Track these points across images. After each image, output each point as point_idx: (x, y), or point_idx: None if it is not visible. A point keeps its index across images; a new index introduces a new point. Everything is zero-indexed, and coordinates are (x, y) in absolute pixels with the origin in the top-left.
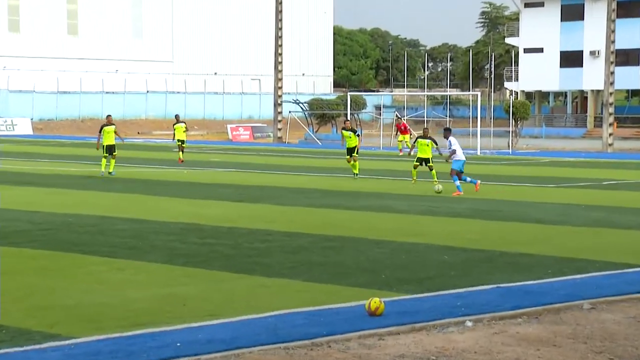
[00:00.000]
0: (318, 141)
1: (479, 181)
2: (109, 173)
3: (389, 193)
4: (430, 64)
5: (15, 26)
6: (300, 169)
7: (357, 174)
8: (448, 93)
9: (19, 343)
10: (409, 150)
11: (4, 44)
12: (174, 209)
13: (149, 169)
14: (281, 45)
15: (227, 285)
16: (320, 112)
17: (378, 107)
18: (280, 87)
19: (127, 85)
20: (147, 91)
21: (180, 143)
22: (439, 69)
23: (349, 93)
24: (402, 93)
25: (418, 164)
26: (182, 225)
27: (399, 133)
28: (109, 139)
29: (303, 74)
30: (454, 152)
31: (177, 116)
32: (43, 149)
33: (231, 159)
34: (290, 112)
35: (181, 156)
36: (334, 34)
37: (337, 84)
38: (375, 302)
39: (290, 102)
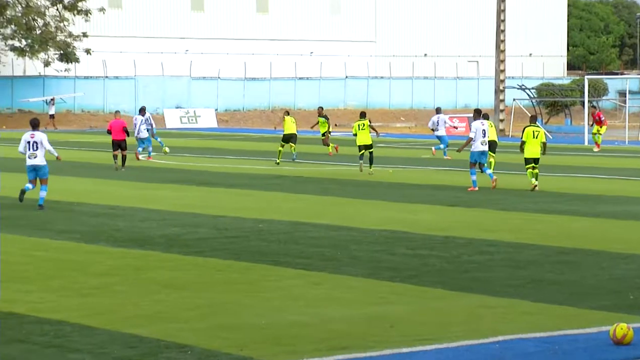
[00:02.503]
0: (549, 135)
1: (495, 177)
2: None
3: (637, 197)
4: None
5: (199, 4)
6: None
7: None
8: None
9: None
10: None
11: (187, 24)
12: (377, 215)
13: (346, 167)
14: (504, 21)
15: (442, 304)
16: (551, 100)
17: (622, 94)
18: (503, 70)
19: (323, 69)
20: (346, 76)
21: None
22: None
23: (586, 77)
24: None
25: None
26: (388, 234)
27: (594, 125)
28: (289, 127)
29: (530, 54)
30: (470, 140)
31: (320, 109)
32: (227, 144)
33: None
34: (514, 100)
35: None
36: (568, 5)
37: (571, 66)
38: (622, 328)
39: (514, 87)
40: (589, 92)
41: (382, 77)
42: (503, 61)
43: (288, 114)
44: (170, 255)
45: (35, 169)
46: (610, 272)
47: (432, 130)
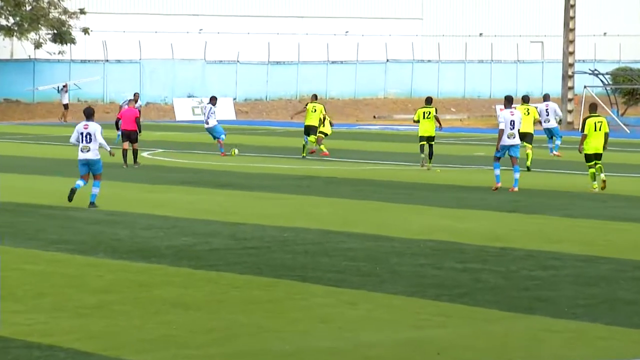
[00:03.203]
0: (625, 128)
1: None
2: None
3: None
4: None
5: None
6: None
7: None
8: None
9: None
10: None
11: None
12: (422, 222)
13: (385, 166)
14: None
15: (498, 327)
16: (629, 87)
17: None
18: (572, 53)
19: (360, 52)
20: (387, 60)
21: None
22: None
23: None
24: None
25: None
26: (435, 244)
27: None
28: (311, 118)
29: (604, 34)
30: (502, 132)
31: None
32: (247, 139)
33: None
34: (585, 87)
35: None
36: None
37: None
38: None
39: (585, 73)
40: None
41: (429, 61)
42: (572, 42)
43: (315, 99)
44: (179, 269)
45: (88, 164)
46: None
47: (540, 122)
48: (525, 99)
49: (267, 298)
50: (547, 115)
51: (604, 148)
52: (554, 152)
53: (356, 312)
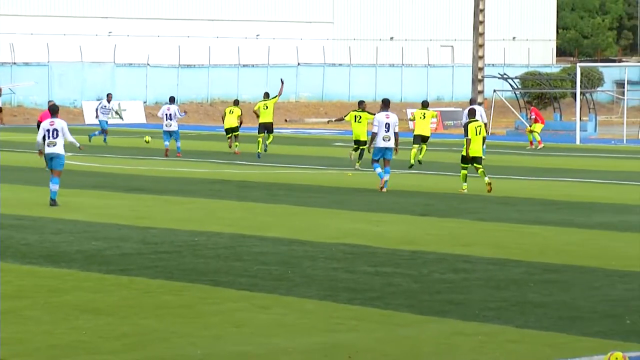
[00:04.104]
0: (537, 137)
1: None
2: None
3: (636, 205)
4: None
5: None
6: (510, 171)
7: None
8: None
9: None
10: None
11: (110, 1)
12: (335, 226)
13: (299, 170)
14: None
15: (410, 331)
16: (538, 91)
17: (621, 84)
18: (482, 57)
19: (272, 55)
20: (298, 63)
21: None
22: None
23: (578, 64)
24: None
25: None
26: (347, 248)
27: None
28: (265, 116)
29: (514, 38)
30: (374, 135)
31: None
32: (158, 143)
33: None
34: (495, 91)
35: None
36: None
37: (561, 52)
38: (618, 357)
39: (495, 77)
40: (581, 82)
41: (340, 65)
42: (482, 46)
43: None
44: (89, 274)
45: (51, 158)
46: (605, 293)
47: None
48: (425, 104)
49: (179, 303)
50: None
51: (483, 151)
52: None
53: (269, 316)
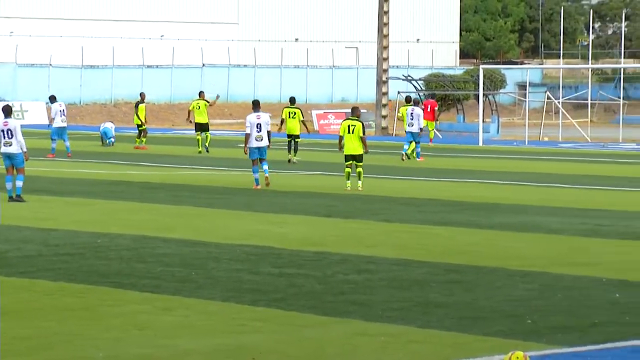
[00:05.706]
0: (438, 133)
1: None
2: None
3: (536, 206)
4: (596, 25)
5: None
6: (412, 172)
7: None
8: (622, 66)
9: None
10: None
11: (12, 1)
12: (239, 227)
13: (203, 171)
14: (387, 1)
15: (313, 332)
16: (442, 93)
17: (522, 86)
18: (386, 59)
19: (176, 56)
20: (203, 64)
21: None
22: (609, 32)
23: (481, 66)
24: (556, 66)
25: None
26: (251, 249)
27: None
28: (200, 115)
29: (417, 40)
30: (248, 136)
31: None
32: (61, 144)
33: (318, 157)
34: (399, 92)
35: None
36: None
37: (464, 54)
38: (518, 357)
39: (399, 78)
40: (484, 84)
41: (245, 66)
42: (386, 48)
43: (201, 96)
44: None
45: (10, 157)
46: (506, 293)
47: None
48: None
49: (81, 305)
50: (412, 119)
51: (366, 152)
52: (418, 158)
53: (172, 318)
